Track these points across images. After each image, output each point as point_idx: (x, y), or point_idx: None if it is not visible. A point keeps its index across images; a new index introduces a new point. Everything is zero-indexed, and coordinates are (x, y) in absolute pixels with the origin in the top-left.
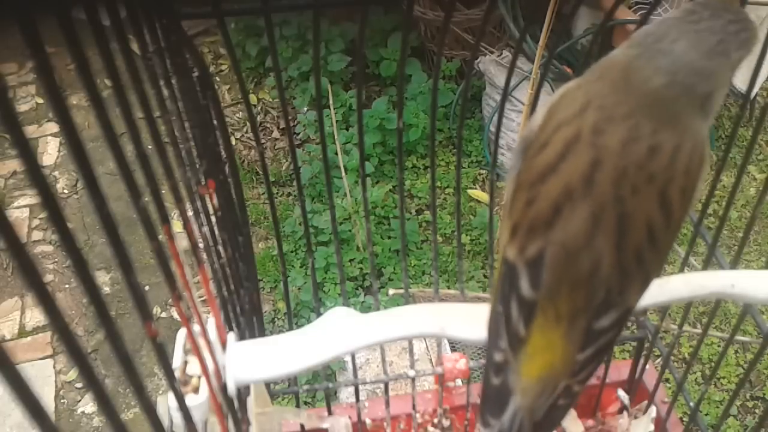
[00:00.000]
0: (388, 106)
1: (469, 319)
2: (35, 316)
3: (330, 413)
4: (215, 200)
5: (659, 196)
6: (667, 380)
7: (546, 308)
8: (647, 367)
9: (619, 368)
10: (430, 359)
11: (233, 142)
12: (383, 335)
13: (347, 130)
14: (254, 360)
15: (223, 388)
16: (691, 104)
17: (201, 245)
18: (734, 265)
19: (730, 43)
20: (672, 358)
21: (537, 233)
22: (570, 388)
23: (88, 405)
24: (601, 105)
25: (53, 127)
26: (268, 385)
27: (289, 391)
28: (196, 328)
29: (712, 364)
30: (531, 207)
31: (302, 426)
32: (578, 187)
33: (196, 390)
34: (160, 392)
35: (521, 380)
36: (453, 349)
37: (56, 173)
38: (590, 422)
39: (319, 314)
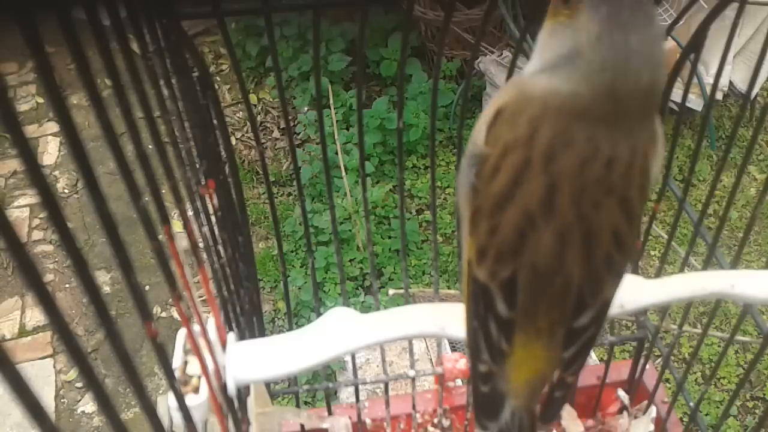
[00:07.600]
0: (389, 106)
1: None
2: (35, 316)
3: (330, 413)
4: (215, 200)
5: (620, 202)
6: (667, 380)
7: (525, 326)
8: (647, 367)
9: (619, 368)
10: (430, 359)
11: (233, 142)
12: (383, 335)
13: (347, 130)
14: (254, 360)
15: (223, 388)
16: (660, 88)
17: (201, 245)
18: (734, 265)
19: (650, 12)
20: (672, 358)
21: (506, 259)
22: (564, 380)
23: (88, 405)
24: (556, 130)
25: (53, 126)
26: (268, 385)
27: (289, 391)
28: (196, 328)
29: (712, 364)
30: (495, 235)
31: (302, 426)
32: (538, 211)
33: (196, 390)
34: (160, 392)
35: (511, 385)
36: (453, 349)
37: (56, 173)
38: (590, 422)
39: (319, 314)
